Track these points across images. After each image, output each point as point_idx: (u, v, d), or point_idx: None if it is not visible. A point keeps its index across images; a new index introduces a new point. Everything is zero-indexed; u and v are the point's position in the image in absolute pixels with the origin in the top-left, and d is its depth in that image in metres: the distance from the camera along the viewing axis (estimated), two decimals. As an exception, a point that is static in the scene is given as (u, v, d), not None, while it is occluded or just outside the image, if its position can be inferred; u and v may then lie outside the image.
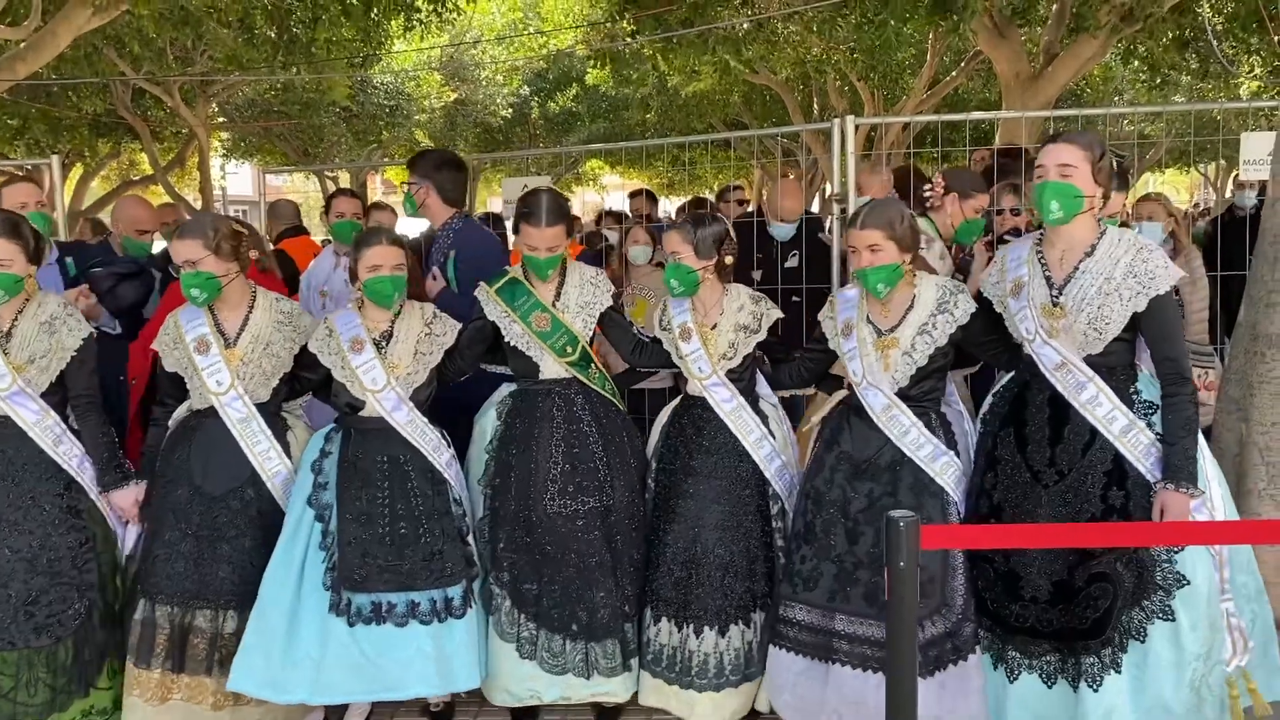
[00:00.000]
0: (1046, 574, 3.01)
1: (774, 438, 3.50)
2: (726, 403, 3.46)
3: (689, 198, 7.07)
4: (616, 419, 3.59)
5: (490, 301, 3.54)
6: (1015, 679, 3.06)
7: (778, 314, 3.56)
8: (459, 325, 3.54)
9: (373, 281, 3.36)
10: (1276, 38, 4.24)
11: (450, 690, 3.38)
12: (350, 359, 3.38)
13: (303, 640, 3.25)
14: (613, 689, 3.45)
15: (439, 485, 3.42)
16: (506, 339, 3.52)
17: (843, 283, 4.61)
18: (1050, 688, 3.01)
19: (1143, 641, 2.90)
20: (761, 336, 3.52)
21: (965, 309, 3.23)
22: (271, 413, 3.47)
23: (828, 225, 5.39)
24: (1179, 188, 31.41)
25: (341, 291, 4.67)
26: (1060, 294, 3.02)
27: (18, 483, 3.28)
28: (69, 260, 4.50)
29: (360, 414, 3.41)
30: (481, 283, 3.58)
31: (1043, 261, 3.09)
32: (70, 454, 3.33)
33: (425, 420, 3.42)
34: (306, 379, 3.53)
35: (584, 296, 3.57)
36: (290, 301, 3.60)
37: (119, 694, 3.36)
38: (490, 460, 3.52)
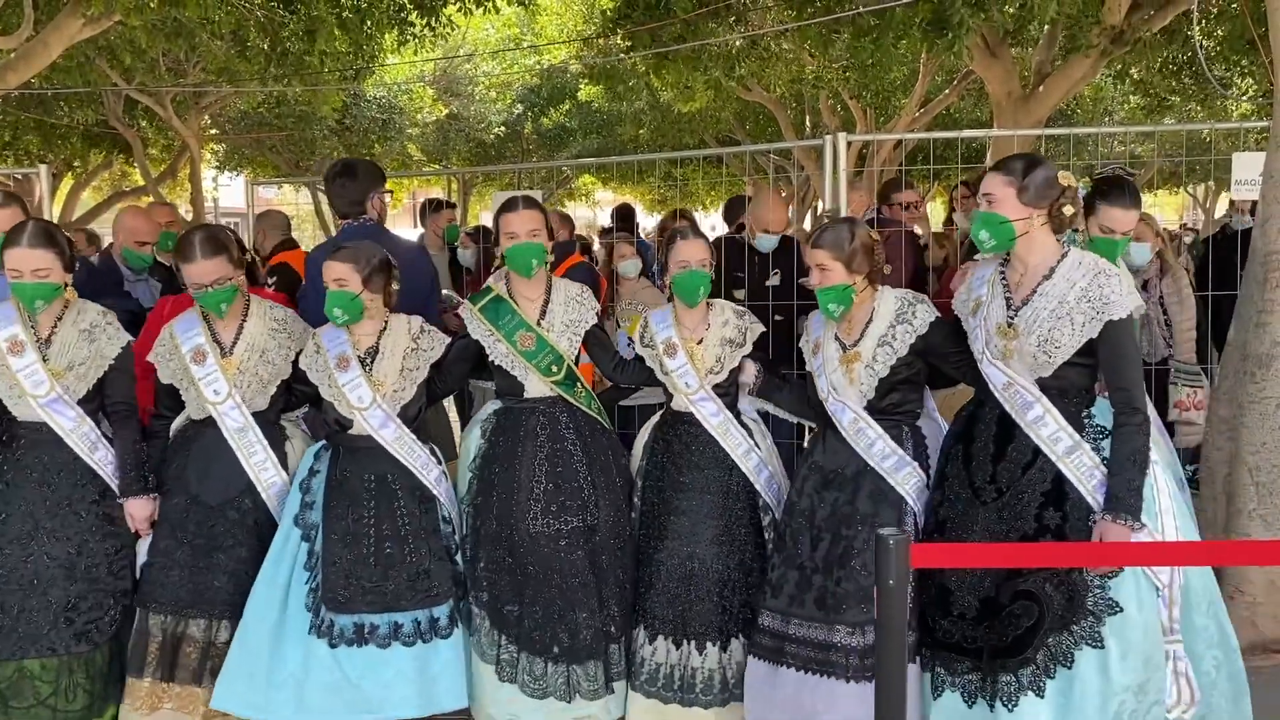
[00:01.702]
0: (976, 591, 3.02)
1: (760, 448, 3.50)
2: (714, 417, 3.46)
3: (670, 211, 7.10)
4: (602, 437, 3.57)
5: (474, 320, 3.52)
6: (939, 695, 3.06)
7: (761, 328, 3.57)
8: (447, 339, 3.52)
9: (331, 295, 3.33)
10: (1267, 59, 4.26)
11: (433, 711, 3.34)
12: (336, 376, 3.36)
13: (286, 661, 3.23)
14: (595, 712, 3.42)
15: (427, 503, 3.40)
16: (491, 357, 3.51)
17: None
18: (970, 707, 2.99)
19: (1069, 667, 2.86)
20: (747, 350, 3.53)
21: (924, 318, 3.25)
22: (270, 422, 3.48)
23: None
24: (1165, 208, 31.57)
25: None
26: (1016, 315, 3.03)
27: (54, 489, 3.30)
28: None
29: (349, 431, 3.39)
30: (465, 301, 3.57)
31: (1005, 282, 3.11)
32: (105, 460, 3.34)
33: (414, 437, 3.40)
34: (302, 391, 3.52)
35: (569, 314, 3.54)
36: (283, 308, 3.61)
37: None
38: (473, 478, 3.51)
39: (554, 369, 3.47)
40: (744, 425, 3.53)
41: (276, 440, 3.48)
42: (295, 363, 3.49)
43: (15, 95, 10.64)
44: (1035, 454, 3.00)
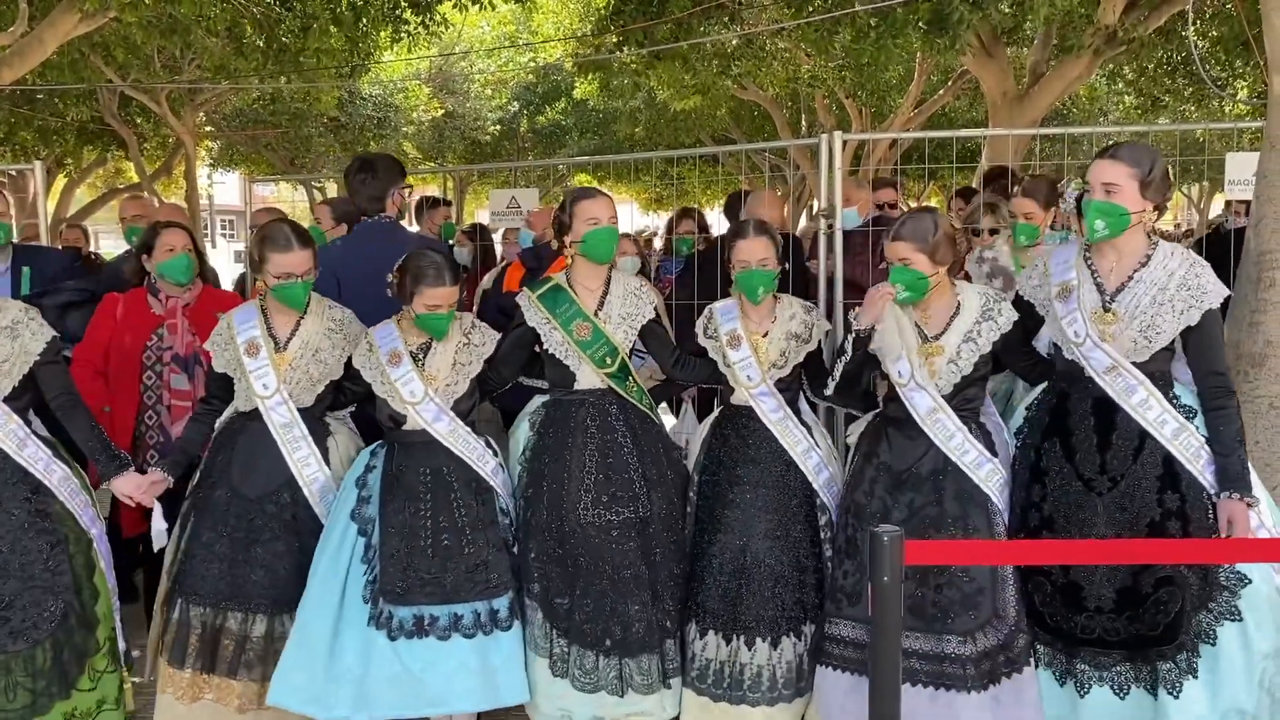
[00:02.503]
0: (1110, 582, 3.01)
1: (819, 448, 3.46)
2: (774, 413, 3.42)
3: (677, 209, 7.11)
4: (653, 431, 3.54)
5: (531, 307, 3.50)
6: (1086, 693, 3.03)
7: (827, 325, 3.55)
8: (497, 335, 3.51)
9: (428, 318, 3.36)
10: (1261, 60, 4.28)
11: (496, 705, 3.31)
12: (389, 372, 3.37)
13: (345, 655, 3.22)
14: (649, 708, 3.36)
15: (484, 494, 3.40)
16: (545, 346, 3.48)
17: (830, 292, 4.61)
18: (1123, 699, 3.00)
19: (1213, 644, 2.91)
20: (812, 347, 3.50)
21: (1009, 317, 3.23)
22: (315, 418, 3.49)
23: (809, 246, 5.38)
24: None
25: None
26: (1113, 300, 3.04)
27: None
28: (27, 269, 4.44)
29: (403, 428, 3.40)
30: (525, 288, 3.55)
31: (1091, 267, 3.10)
32: (36, 457, 3.29)
33: (469, 430, 3.40)
34: (352, 390, 3.53)
35: (627, 307, 3.51)
36: (342, 309, 3.61)
37: (102, 695, 3.34)
38: (524, 471, 3.48)
39: (608, 360, 3.44)
40: (803, 424, 3.48)
41: (320, 436, 3.48)
42: (348, 363, 3.50)
43: (10, 91, 10.62)
44: (1141, 438, 3.00)
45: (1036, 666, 3.13)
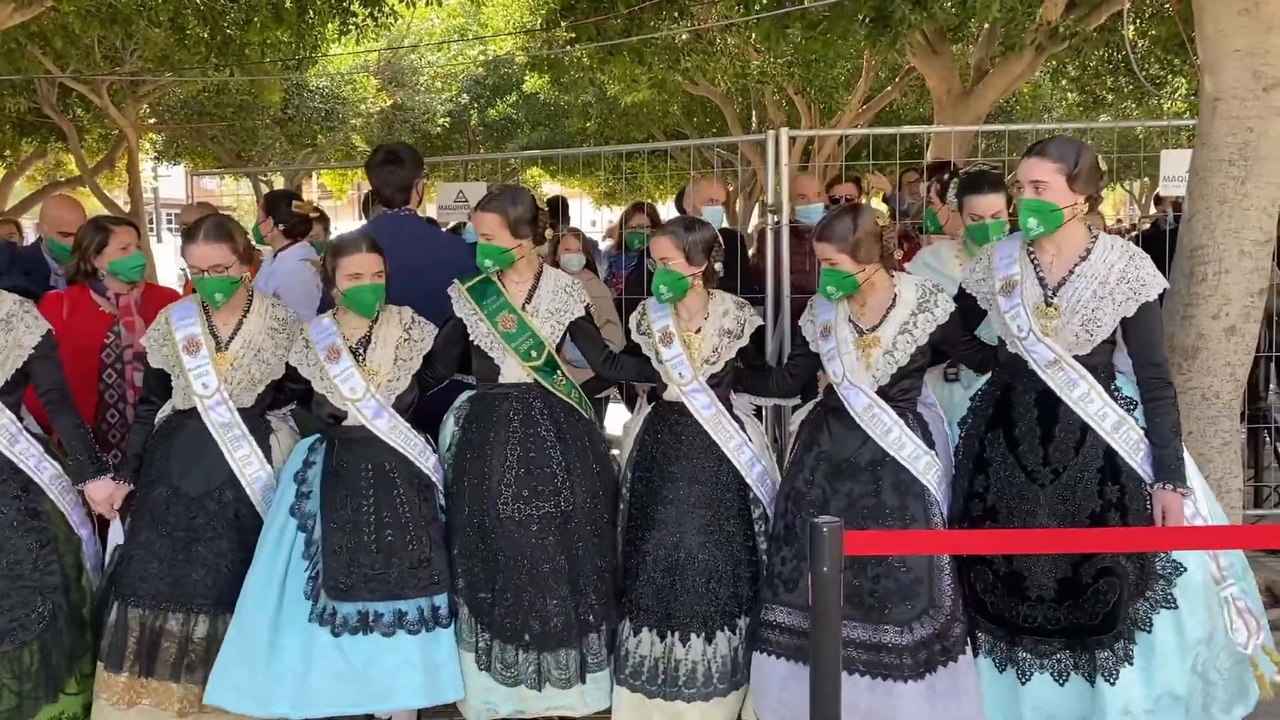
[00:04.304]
0: (1052, 573, 3.07)
1: (752, 442, 3.48)
2: (706, 409, 3.44)
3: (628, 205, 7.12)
4: (579, 424, 3.53)
5: (460, 299, 3.48)
6: (1027, 680, 3.09)
7: (760, 321, 3.57)
8: (436, 330, 3.49)
9: (353, 290, 3.30)
10: (1196, 60, 4.38)
11: (438, 701, 3.31)
12: (328, 369, 3.32)
13: (285, 651, 3.18)
14: (568, 702, 3.38)
15: (425, 491, 3.38)
16: (471, 338, 3.47)
17: (777, 289, 4.66)
18: (1063, 686, 3.06)
19: (1149, 631, 2.99)
20: (744, 342, 3.52)
21: (945, 308, 3.28)
22: (255, 416, 3.43)
23: (759, 233, 5.42)
24: (1103, 205, 32.20)
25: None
26: (1054, 295, 3.09)
27: None
28: None
29: (343, 424, 3.36)
30: (455, 280, 3.53)
31: (1034, 261, 3.15)
32: (27, 454, 3.25)
33: (409, 426, 3.38)
34: (292, 389, 3.49)
35: (556, 302, 3.50)
36: (285, 307, 3.57)
37: (89, 699, 3.28)
38: (449, 466, 3.48)
39: (534, 354, 3.43)
40: (736, 419, 3.50)
41: (262, 434, 3.43)
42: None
43: (-57, 82, 10.35)
44: (1083, 431, 3.06)
45: (978, 654, 3.18)
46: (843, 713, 3.10)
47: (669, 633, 3.34)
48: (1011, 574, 3.11)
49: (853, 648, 3.14)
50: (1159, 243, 5.86)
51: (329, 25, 9.45)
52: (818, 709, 2.38)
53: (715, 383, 3.48)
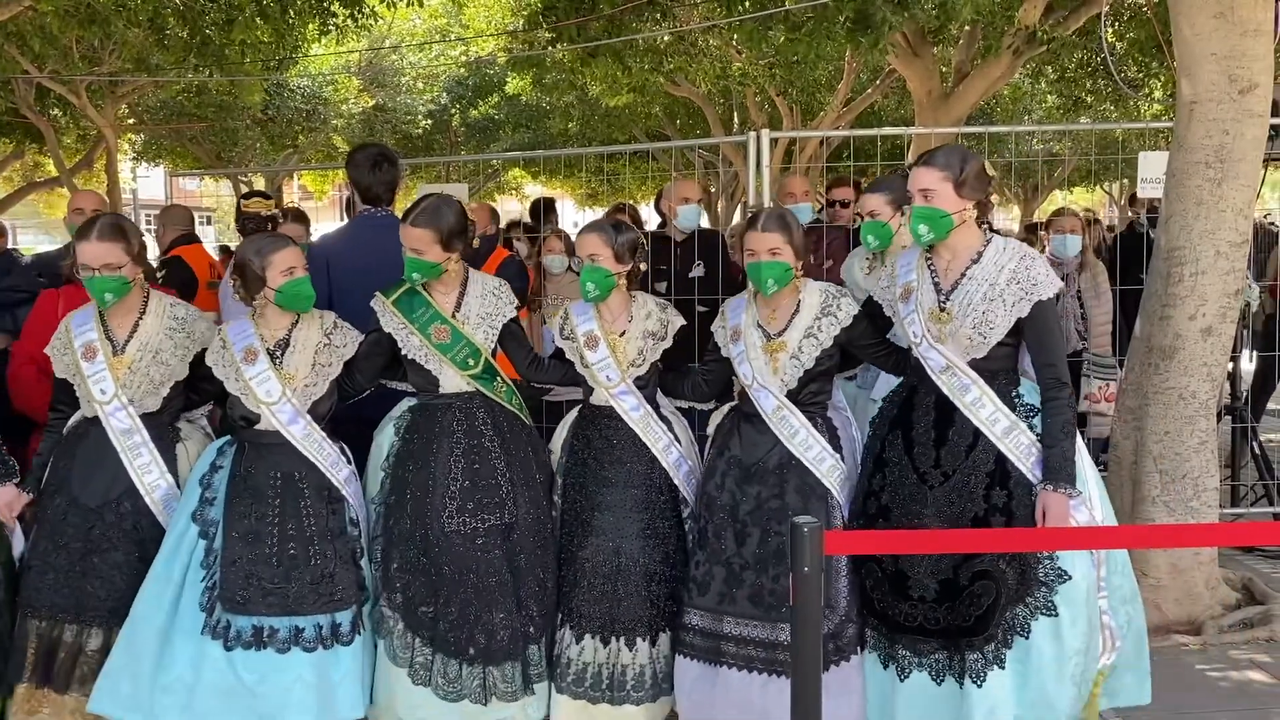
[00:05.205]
0: (933, 573, 3.10)
1: (680, 443, 3.51)
2: (634, 410, 3.45)
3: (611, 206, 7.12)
4: (521, 433, 3.51)
5: (386, 313, 3.43)
6: (906, 677, 3.13)
7: (681, 321, 3.57)
8: (360, 336, 3.44)
9: (289, 285, 3.25)
10: (1173, 63, 4.42)
11: None
12: (244, 370, 3.26)
13: (175, 663, 3.12)
14: (512, 714, 3.37)
15: (335, 504, 3.31)
16: (404, 351, 3.42)
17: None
18: (939, 685, 3.08)
19: (1026, 637, 3.00)
20: (668, 344, 3.53)
21: (848, 312, 3.33)
22: (162, 424, 3.36)
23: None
24: (1082, 205, 32.38)
25: None
26: (947, 299, 3.12)
27: None
28: None
29: (256, 427, 3.30)
30: (378, 293, 3.47)
31: (931, 268, 3.20)
32: None
33: (324, 435, 3.31)
34: (206, 389, 3.42)
35: (485, 307, 3.48)
36: (186, 306, 3.49)
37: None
38: (386, 477, 3.42)
39: (470, 362, 3.40)
40: (663, 418, 3.52)
41: (168, 442, 3.37)
42: (200, 361, 3.39)
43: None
44: (976, 436, 3.08)
45: (863, 650, 3.24)
46: (738, 710, 3.18)
47: (613, 638, 3.36)
48: (897, 573, 3.16)
49: (752, 646, 3.22)
50: (1135, 244, 5.92)
51: (309, 25, 9.40)
52: (799, 710, 2.38)
53: (641, 384, 3.49)
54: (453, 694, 3.31)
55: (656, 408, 3.53)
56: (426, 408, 3.45)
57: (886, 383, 3.56)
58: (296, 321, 3.36)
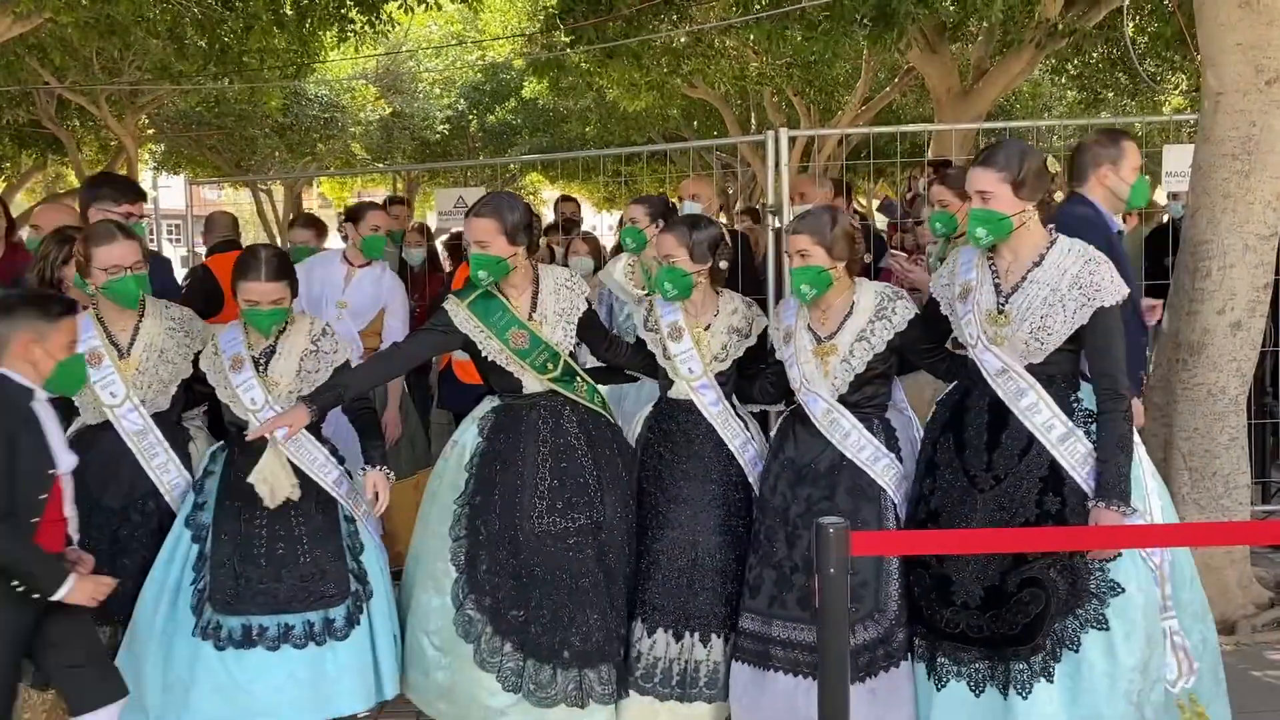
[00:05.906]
0: (979, 579, 3.00)
1: (755, 441, 3.47)
2: (714, 405, 3.42)
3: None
4: (606, 431, 3.47)
5: (462, 315, 3.37)
6: (943, 686, 3.04)
7: (765, 321, 3.53)
8: (351, 343, 3.47)
9: (248, 314, 3.27)
10: (1197, 55, 4.37)
11: (330, 715, 3.25)
12: (231, 378, 3.30)
13: (175, 664, 3.16)
14: (604, 719, 3.30)
15: (325, 504, 3.32)
16: (484, 354, 3.38)
17: (779, 290, 4.64)
18: (978, 696, 2.98)
19: (1076, 651, 2.88)
20: (752, 342, 3.49)
21: (904, 315, 3.24)
22: (172, 423, 3.41)
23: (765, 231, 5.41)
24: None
25: (364, 305, 4.55)
26: (1006, 301, 3.01)
27: None
28: None
29: (244, 432, 3.31)
30: (451, 295, 3.43)
31: (993, 267, 3.09)
32: None
33: (311, 438, 3.32)
34: (200, 391, 3.46)
35: (561, 303, 3.43)
36: (179, 307, 3.54)
37: None
38: (470, 478, 3.38)
39: (549, 366, 3.35)
40: (740, 417, 3.47)
41: (179, 441, 3.41)
42: (195, 362, 3.43)
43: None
44: (1030, 440, 2.97)
45: (912, 657, 3.15)
46: (786, 715, 3.13)
47: (686, 632, 3.30)
48: (942, 577, 3.07)
49: (799, 649, 3.16)
50: (1164, 239, 5.85)
51: (327, 33, 9.43)
52: (826, 712, 2.35)
53: (722, 380, 3.46)
54: (546, 700, 3.24)
55: (735, 406, 3.50)
56: (510, 407, 3.43)
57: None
58: (284, 329, 3.38)
